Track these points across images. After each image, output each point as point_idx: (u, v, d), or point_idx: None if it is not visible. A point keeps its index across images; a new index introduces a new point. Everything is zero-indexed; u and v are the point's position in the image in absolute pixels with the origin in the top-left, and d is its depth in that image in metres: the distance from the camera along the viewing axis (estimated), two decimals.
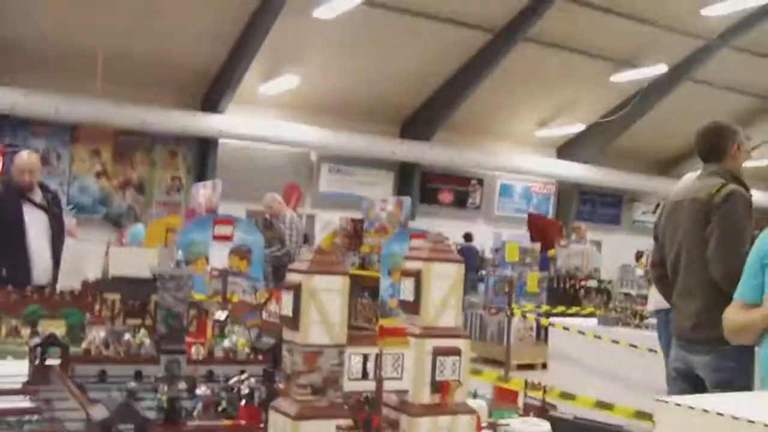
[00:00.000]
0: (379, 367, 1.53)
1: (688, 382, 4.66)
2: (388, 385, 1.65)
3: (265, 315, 3.42)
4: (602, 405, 5.52)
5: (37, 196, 5.75)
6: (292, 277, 1.66)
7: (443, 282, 1.79)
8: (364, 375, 1.71)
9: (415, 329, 1.75)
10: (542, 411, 4.32)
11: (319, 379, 1.62)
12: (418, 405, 1.73)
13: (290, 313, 1.64)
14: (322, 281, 1.64)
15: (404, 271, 1.83)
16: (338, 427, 1.48)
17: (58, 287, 4.04)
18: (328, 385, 1.63)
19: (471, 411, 1.78)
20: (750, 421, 2.03)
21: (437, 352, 1.75)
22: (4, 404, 2.21)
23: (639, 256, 13.71)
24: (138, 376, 2.45)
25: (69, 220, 7.14)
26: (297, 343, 1.61)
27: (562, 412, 3.67)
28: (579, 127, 20.65)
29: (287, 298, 1.66)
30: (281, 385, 1.68)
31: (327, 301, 1.64)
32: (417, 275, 1.78)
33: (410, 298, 1.79)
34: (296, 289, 1.63)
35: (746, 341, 3.71)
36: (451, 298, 1.81)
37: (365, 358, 1.70)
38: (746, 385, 4.38)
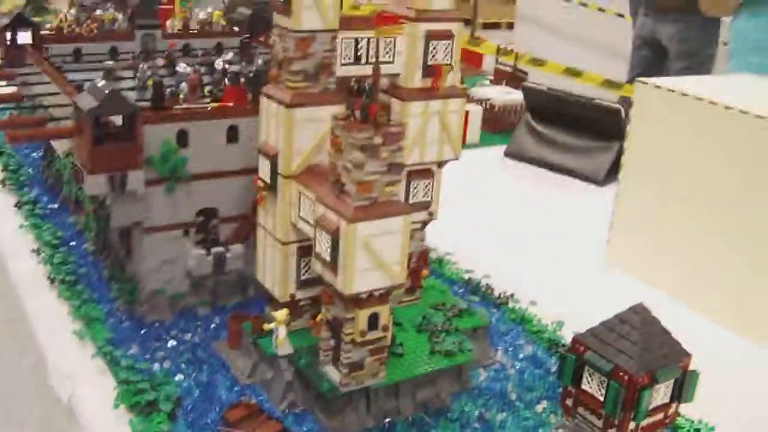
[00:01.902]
0: (374, 54, 1.49)
1: (651, 51, 4.69)
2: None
3: None
4: (571, 72, 5.58)
5: None
6: None
7: None
8: (357, 59, 1.68)
9: (409, 12, 1.69)
10: (513, 78, 4.37)
11: (311, 65, 1.59)
12: (410, 89, 1.73)
13: None
14: None
15: None
16: (335, 117, 1.48)
17: None
18: (321, 72, 1.60)
19: (462, 95, 1.78)
20: (727, 107, 2.09)
21: (430, 36, 1.70)
22: None
23: None
24: (113, 53, 2.38)
25: None
26: (289, 29, 1.55)
27: (535, 83, 3.72)
28: None
29: None
30: (272, 71, 1.65)
31: None
32: None
33: None
34: None
35: (722, 13, 3.70)
36: None
37: (357, 42, 1.66)
38: (710, 57, 4.44)
